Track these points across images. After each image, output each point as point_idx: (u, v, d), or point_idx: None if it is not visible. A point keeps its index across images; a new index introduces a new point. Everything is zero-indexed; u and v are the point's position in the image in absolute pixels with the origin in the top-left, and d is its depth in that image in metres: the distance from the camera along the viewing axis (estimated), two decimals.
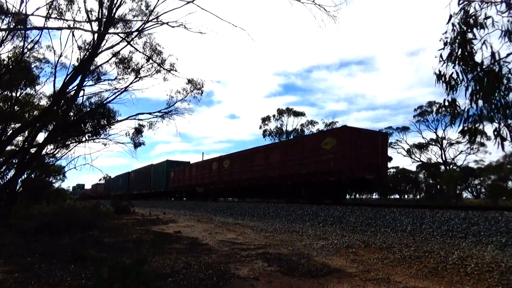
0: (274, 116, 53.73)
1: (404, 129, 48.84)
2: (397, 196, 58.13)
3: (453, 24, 4.16)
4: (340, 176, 15.15)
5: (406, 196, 59.15)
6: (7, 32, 12.71)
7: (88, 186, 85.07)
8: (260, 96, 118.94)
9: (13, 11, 10.76)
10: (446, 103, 4.29)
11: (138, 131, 18.28)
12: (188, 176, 30.74)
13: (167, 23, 11.68)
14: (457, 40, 4.11)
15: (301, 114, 53.20)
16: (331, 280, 4.75)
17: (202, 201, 27.43)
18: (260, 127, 54.55)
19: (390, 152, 47.52)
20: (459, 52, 4.11)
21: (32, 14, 10.27)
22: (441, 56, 4.26)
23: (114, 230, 10.53)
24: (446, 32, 4.24)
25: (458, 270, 5.07)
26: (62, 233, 8.56)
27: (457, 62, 4.14)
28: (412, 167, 54.75)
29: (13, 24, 12.66)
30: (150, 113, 17.69)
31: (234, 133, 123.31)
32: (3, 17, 13.05)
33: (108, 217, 14.79)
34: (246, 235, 9.49)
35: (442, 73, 4.26)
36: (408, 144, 49.24)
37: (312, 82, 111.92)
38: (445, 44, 4.25)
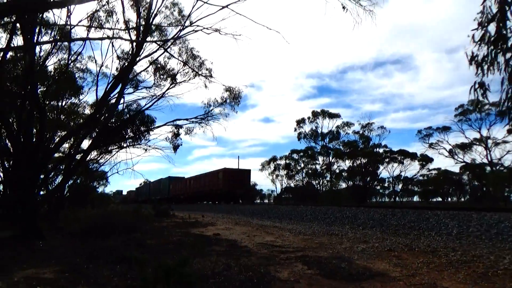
0: (309, 118, 53.51)
1: (445, 129, 46.90)
2: (440, 199, 55.94)
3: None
4: (223, 191, 35.57)
5: (449, 199, 56.76)
6: (52, 44, 13.47)
7: (124, 193, 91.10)
8: (293, 98, 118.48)
9: (59, 23, 11.45)
10: (476, 86, 4.09)
11: (177, 134, 18.77)
12: (178, 188, 50.39)
13: (203, 29, 11.90)
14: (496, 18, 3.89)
15: (336, 116, 52.67)
16: (374, 284, 4.63)
17: (183, 204, 43.40)
18: (295, 130, 54.53)
19: (430, 153, 47.41)
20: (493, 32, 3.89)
21: (77, 25, 10.84)
22: (473, 36, 4.06)
23: (155, 232, 10.83)
24: (481, 12, 4.03)
25: (510, 275, 4.79)
26: (107, 236, 8.92)
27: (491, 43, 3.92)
28: (455, 168, 52.48)
29: (58, 37, 13.45)
30: (187, 119, 18.13)
31: (269, 136, 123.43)
32: (49, 31, 13.92)
33: (149, 220, 15.23)
34: (285, 238, 9.45)
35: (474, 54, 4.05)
36: (450, 145, 47.20)
37: (347, 83, 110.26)
38: (479, 24, 4.03)
